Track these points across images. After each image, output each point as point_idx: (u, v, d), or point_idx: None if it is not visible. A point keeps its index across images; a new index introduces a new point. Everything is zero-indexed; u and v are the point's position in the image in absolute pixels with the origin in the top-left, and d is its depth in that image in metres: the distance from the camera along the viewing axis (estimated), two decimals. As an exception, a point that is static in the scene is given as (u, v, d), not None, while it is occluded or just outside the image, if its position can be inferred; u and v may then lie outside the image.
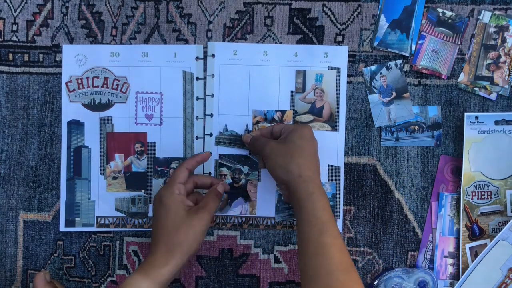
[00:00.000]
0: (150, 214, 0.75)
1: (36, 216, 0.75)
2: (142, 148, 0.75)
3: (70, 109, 0.75)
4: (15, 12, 0.75)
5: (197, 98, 0.75)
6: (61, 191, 0.75)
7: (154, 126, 0.75)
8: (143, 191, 0.75)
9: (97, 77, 0.75)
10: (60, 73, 0.75)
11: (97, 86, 0.75)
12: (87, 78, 0.75)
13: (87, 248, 0.75)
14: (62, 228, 0.75)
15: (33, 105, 0.75)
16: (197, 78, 0.74)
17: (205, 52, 0.74)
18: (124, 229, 0.75)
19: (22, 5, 0.75)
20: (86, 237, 0.75)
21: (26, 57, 0.75)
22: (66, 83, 0.75)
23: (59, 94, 0.75)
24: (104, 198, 0.75)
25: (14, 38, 0.75)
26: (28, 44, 0.75)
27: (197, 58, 0.74)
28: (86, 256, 0.75)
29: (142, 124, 0.75)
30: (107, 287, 0.75)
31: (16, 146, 0.76)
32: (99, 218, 0.75)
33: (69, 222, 0.75)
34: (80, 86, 0.75)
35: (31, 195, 0.75)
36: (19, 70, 0.75)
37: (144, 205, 0.75)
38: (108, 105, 0.75)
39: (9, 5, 0.75)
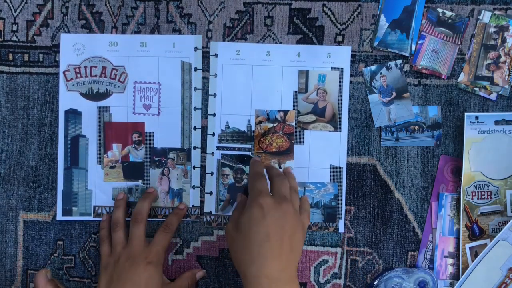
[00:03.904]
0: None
1: (36, 216, 0.75)
2: (140, 138, 0.75)
3: (68, 98, 0.75)
4: (15, 12, 0.75)
5: (195, 89, 0.74)
6: (58, 180, 0.75)
7: (152, 116, 0.75)
8: (140, 181, 0.75)
9: (95, 66, 0.75)
10: (60, 73, 0.75)
11: (95, 76, 0.75)
12: (85, 67, 0.75)
13: (87, 248, 0.75)
14: (60, 217, 0.75)
15: (33, 105, 0.75)
16: (196, 69, 0.74)
17: (206, 52, 0.74)
18: None
19: (22, 5, 0.75)
20: (86, 237, 0.75)
21: (26, 57, 0.75)
22: (63, 72, 0.75)
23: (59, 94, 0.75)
24: (101, 188, 0.75)
25: (14, 38, 0.75)
26: (28, 44, 0.75)
27: (195, 48, 0.74)
28: (86, 256, 0.75)
29: (140, 114, 0.75)
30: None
31: (16, 146, 0.75)
32: (96, 208, 0.75)
33: (66, 211, 0.75)
34: (78, 75, 0.75)
35: (31, 195, 0.75)
36: (19, 70, 0.75)
37: (141, 195, 0.75)
38: (106, 94, 0.75)
39: (9, 5, 0.75)
